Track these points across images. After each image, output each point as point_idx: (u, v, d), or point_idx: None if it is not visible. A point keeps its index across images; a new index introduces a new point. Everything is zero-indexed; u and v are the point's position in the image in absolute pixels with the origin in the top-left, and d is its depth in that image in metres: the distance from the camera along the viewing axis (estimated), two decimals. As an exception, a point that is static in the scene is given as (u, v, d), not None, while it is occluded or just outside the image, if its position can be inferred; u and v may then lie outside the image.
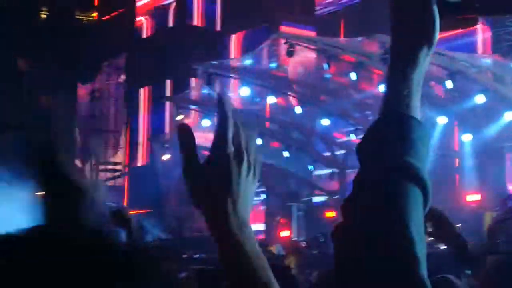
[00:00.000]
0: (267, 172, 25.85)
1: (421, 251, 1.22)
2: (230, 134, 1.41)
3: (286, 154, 24.56)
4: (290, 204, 23.42)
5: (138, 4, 30.67)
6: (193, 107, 25.31)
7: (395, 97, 1.35)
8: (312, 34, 25.09)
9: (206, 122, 24.38)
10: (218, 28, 28.78)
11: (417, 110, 1.36)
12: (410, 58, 1.37)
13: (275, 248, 18.57)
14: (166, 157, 26.40)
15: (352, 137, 22.66)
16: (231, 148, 1.41)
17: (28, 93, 35.96)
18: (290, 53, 20.56)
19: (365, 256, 1.23)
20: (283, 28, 23.82)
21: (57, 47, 31.50)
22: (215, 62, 23.03)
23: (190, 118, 25.47)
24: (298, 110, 23.29)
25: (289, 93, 23.62)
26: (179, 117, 24.82)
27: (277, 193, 25.22)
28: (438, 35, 1.40)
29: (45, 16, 38.22)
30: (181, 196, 27.40)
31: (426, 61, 1.39)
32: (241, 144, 1.43)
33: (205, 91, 24.27)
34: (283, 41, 20.79)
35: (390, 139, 1.32)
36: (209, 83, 22.89)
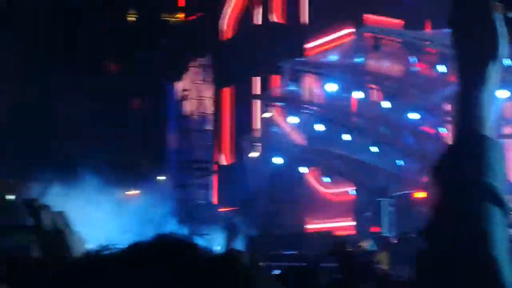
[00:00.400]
0: (356, 168, 25.66)
1: (509, 273, 1.21)
2: None
3: (374, 149, 24.32)
4: (380, 200, 23.17)
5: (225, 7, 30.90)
6: (279, 104, 25.36)
7: (468, 116, 1.34)
8: (399, 25, 24.65)
9: (292, 119, 24.42)
10: (303, 24, 28.71)
11: (491, 128, 1.35)
12: (479, 75, 1.35)
13: (367, 243, 18.42)
14: (254, 154, 26.56)
15: (442, 130, 22.24)
16: None
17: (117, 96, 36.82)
18: (376, 47, 20.36)
19: (453, 281, 1.23)
20: (369, 21, 23.41)
21: (145, 49, 32.10)
22: (300, 59, 23.02)
23: (276, 115, 25.57)
24: (385, 104, 23.02)
25: (376, 87, 23.36)
26: (267, 115, 24.96)
27: (366, 188, 24.99)
28: (506, 50, 1.38)
29: (133, 19, 39.05)
30: (270, 193, 27.51)
31: (495, 77, 1.37)
32: None
33: (291, 87, 24.29)
34: (369, 35, 20.59)
35: (468, 159, 1.32)
36: (294, 80, 22.93)
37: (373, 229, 22.51)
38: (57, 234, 1.39)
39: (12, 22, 32.13)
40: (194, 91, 31.27)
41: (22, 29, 32.07)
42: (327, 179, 26.84)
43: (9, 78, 30.96)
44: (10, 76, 30.93)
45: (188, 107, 31.20)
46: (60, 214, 1.51)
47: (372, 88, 23.47)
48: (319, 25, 26.48)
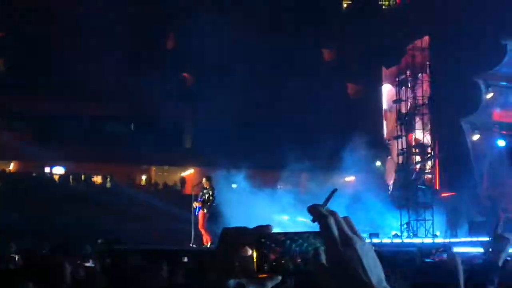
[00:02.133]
0: None
1: None
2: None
3: None
4: None
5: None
6: (503, 83, 24.22)
7: None
8: None
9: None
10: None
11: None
12: None
13: None
14: (476, 137, 25.63)
15: None
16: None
17: (334, 83, 37.10)
18: None
19: None
20: None
21: (362, 34, 32.02)
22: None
23: (499, 95, 24.44)
24: None
25: None
26: (489, 95, 23.95)
27: None
28: None
29: (349, 3, 39.14)
30: (493, 176, 26.45)
31: None
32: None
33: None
34: None
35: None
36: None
37: None
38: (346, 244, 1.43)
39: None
40: (412, 74, 30.71)
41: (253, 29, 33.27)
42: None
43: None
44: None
45: (406, 90, 30.70)
46: (346, 219, 1.51)
47: None
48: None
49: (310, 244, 1.48)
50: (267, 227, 1.50)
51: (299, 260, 1.48)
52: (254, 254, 1.49)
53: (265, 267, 1.49)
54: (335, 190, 1.59)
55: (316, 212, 1.47)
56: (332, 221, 1.45)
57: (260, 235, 1.49)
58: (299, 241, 1.49)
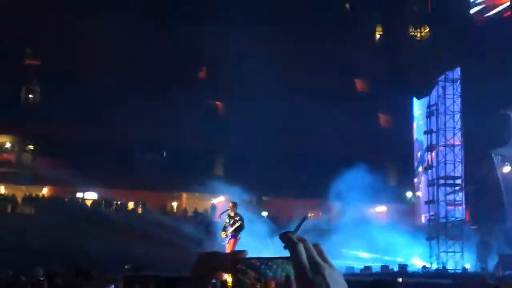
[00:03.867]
0: None
1: None
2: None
3: None
4: None
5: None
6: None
7: None
8: None
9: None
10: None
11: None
12: None
13: None
14: (506, 169, 25.46)
15: None
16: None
17: (366, 113, 37.14)
18: None
19: None
20: None
21: (394, 64, 32.11)
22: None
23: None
24: None
25: None
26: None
27: None
28: None
29: (380, 35, 39.26)
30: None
31: None
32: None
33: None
34: None
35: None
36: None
37: None
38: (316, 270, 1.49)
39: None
40: (444, 105, 30.65)
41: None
42: None
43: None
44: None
45: (438, 121, 30.64)
46: (317, 246, 1.56)
47: None
48: None
49: (284, 270, 1.50)
50: (243, 252, 1.52)
51: (273, 286, 1.49)
52: (230, 279, 1.51)
53: None
54: (305, 217, 1.61)
55: (287, 239, 1.48)
56: (301, 248, 1.46)
57: (236, 260, 1.50)
58: (273, 266, 1.51)
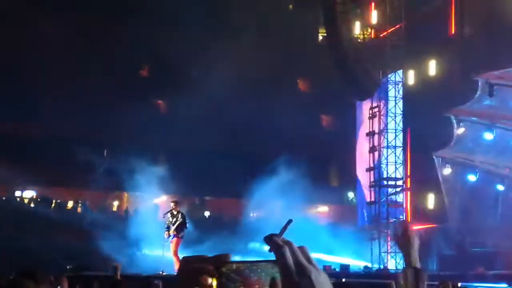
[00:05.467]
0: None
1: None
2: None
3: None
4: None
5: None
6: (473, 119, 24.54)
7: None
8: None
9: (488, 135, 23.54)
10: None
11: None
12: None
13: None
14: (447, 171, 25.87)
15: None
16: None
17: (308, 113, 37.30)
18: None
19: None
20: None
21: (336, 66, 32.27)
22: (496, 72, 22.10)
23: (471, 131, 24.74)
24: None
25: None
26: (460, 130, 24.24)
27: None
28: None
29: (322, 36, 39.48)
30: (463, 211, 26.70)
31: None
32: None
33: (487, 102, 23.43)
34: None
35: None
36: (490, 94, 22.07)
37: None
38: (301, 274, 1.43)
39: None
40: (384, 108, 31.00)
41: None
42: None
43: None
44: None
45: (380, 123, 30.97)
46: (302, 249, 1.52)
47: None
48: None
49: (267, 274, 1.50)
50: (226, 256, 1.52)
51: None
52: (214, 283, 1.50)
53: None
54: (290, 221, 1.60)
55: (272, 242, 1.48)
56: (287, 251, 1.46)
57: (220, 264, 1.50)
58: (257, 270, 1.51)
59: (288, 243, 1.48)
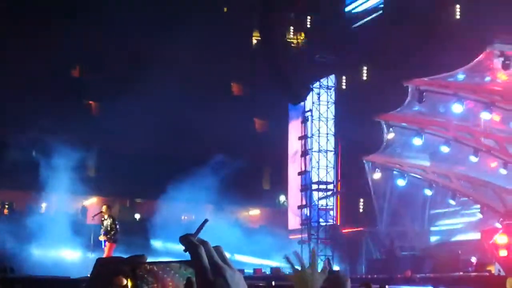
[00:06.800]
0: (482, 190, 24.84)
1: None
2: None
3: (503, 171, 23.49)
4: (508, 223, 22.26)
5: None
6: (403, 124, 24.93)
7: None
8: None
9: (417, 141, 23.95)
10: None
11: None
12: None
13: (493, 268, 17.75)
14: (377, 176, 26.22)
15: None
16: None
17: (242, 117, 37.32)
18: (506, 66, 19.65)
19: None
20: (499, 36, 22.48)
21: (270, 70, 32.42)
22: (426, 79, 22.50)
23: (400, 136, 25.13)
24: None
25: (506, 107, 22.53)
26: (390, 136, 24.58)
27: (493, 210, 24.17)
28: None
29: (256, 40, 39.60)
30: (392, 215, 27.11)
31: None
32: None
33: (416, 108, 23.82)
34: (497, 53, 19.89)
35: None
36: (420, 100, 22.44)
37: (501, 253, 21.62)
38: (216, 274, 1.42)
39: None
40: (316, 112, 31.28)
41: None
42: (452, 202, 26.16)
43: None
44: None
45: (312, 127, 31.22)
46: (218, 249, 1.52)
47: (502, 109, 22.63)
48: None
49: (180, 275, 1.51)
50: (142, 257, 1.52)
51: None
52: (129, 284, 1.50)
53: None
54: (206, 221, 1.61)
55: (187, 242, 1.49)
56: (202, 251, 1.47)
57: (135, 266, 1.51)
58: (171, 271, 1.52)
59: (204, 243, 1.49)
